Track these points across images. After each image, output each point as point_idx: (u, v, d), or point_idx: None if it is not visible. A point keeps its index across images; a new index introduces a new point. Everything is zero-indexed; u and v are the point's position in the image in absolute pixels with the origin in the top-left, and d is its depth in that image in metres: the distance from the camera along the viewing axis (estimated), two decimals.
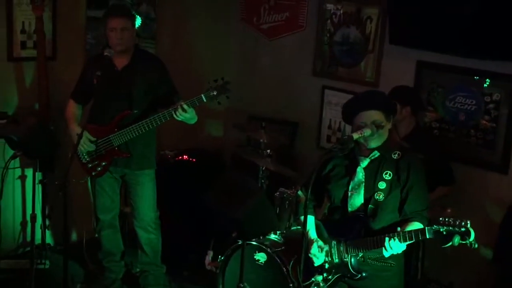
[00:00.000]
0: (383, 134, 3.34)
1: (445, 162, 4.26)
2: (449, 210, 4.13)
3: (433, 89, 4.61)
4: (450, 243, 2.96)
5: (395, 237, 3.11)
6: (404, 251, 3.26)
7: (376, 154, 3.37)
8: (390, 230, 3.21)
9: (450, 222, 2.97)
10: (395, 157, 3.35)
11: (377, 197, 3.32)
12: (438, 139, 4.55)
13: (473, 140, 4.45)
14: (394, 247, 3.13)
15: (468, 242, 2.93)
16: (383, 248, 3.16)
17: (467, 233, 2.93)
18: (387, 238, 3.14)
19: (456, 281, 4.47)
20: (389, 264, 3.34)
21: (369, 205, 3.34)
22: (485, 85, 4.34)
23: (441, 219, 3.00)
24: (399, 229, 3.17)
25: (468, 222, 2.95)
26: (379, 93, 3.67)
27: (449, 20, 4.19)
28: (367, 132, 3.24)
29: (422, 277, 4.21)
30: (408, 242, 3.13)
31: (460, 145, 4.50)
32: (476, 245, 2.96)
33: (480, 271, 4.37)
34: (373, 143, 3.35)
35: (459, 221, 2.96)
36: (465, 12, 4.11)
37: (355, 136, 3.24)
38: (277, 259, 3.92)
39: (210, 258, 4.32)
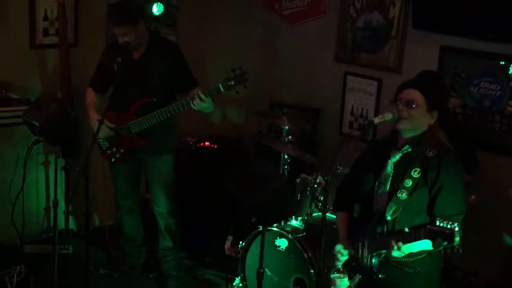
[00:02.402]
0: (414, 119, 3.09)
1: (469, 149, 4.20)
2: (473, 197, 4.08)
3: (457, 74, 4.54)
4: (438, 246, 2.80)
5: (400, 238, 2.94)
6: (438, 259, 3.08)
7: (408, 148, 3.15)
8: None
9: (437, 224, 2.79)
10: (429, 154, 3.10)
11: (400, 195, 3.07)
12: (462, 125, 4.49)
13: (497, 126, 4.37)
14: (403, 248, 2.94)
15: (451, 245, 2.77)
16: (391, 248, 2.97)
17: (451, 237, 2.75)
18: (393, 239, 2.97)
19: (480, 269, 4.42)
20: (414, 270, 3.12)
21: (390, 203, 3.10)
22: (510, 70, 4.26)
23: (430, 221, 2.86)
24: (406, 229, 2.98)
25: (456, 225, 2.77)
26: (430, 75, 3.42)
27: (474, 4, 4.13)
28: (388, 116, 3.09)
29: (445, 264, 4.16)
30: (410, 244, 2.93)
31: (484, 131, 4.43)
32: (461, 251, 2.81)
33: (504, 260, 4.31)
34: (405, 130, 3.13)
35: (446, 223, 2.78)
36: None
37: (376, 120, 3.12)
38: (298, 245, 3.92)
39: (229, 243, 4.33)
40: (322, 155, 5.08)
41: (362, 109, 5.16)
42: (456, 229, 2.75)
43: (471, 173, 4.16)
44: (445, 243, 2.77)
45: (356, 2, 5.12)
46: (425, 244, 2.91)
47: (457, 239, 2.74)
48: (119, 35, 4.11)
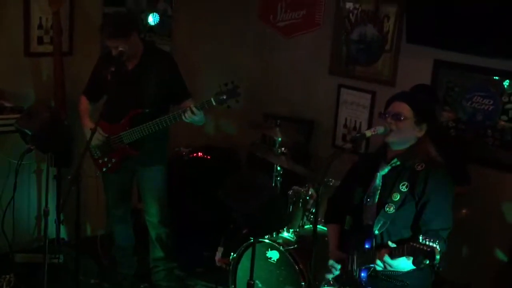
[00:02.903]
0: (403, 132, 3.10)
1: (459, 162, 4.21)
2: (464, 211, 4.09)
3: (450, 88, 4.56)
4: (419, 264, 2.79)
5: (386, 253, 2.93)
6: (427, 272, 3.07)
7: (397, 162, 3.15)
8: None
9: (419, 241, 2.78)
10: (417, 168, 3.09)
11: (388, 209, 3.07)
12: (454, 139, 4.50)
13: (490, 141, 4.38)
14: (388, 263, 2.94)
15: (432, 263, 2.75)
16: (375, 263, 2.98)
17: (432, 255, 2.73)
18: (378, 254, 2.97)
19: (474, 283, 4.42)
20: (403, 283, 3.09)
21: (378, 216, 3.10)
22: (505, 85, 4.27)
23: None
24: (390, 243, 2.98)
25: (437, 244, 2.75)
26: (421, 89, 3.40)
27: (468, 18, 4.14)
28: (380, 129, 3.10)
29: (437, 278, 4.16)
30: (397, 259, 2.91)
31: (476, 145, 4.44)
32: (441, 269, 2.81)
33: (497, 272, 4.31)
34: (393, 143, 3.13)
35: (428, 240, 2.77)
36: (484, 11, 4.07)
37: (368, 133, 3.13)
38: (290, 257, 3.91)
39: (220, 255, 4.32)
40: (315, 167, 5.08)
41: (356, 121, 5.17)
42: (438, 248, 2.74)
43: (464, 185, 4.17)
44: (426, 261, 2.76)
45: (350, 15, 5.14)
46: (408, 261, 2.90)
47: (437, 257, 2.73)
48: (112, 48, 4.12)
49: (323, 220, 3.69)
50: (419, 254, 2.77)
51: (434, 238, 2.80)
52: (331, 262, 3.25)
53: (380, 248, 3.05)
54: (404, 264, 2.95)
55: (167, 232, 4.53)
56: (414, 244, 2.80)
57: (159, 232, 4.49)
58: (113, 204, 4.52)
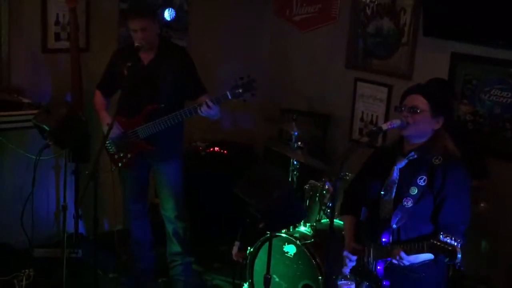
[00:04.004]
0: (419, 124, 3.06)
1: (478, 155, 4.18)
2: (482, 205, 4.05)
3: (467, 81, 4.52)
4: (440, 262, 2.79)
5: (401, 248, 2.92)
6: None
7: (414, 155, 3.10)
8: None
9: (440, 239, 2.75)
10: (435, 162, 3.05)
11: (405, 203, 3.04)
12: (472, 132, 4.47)
13: (508, 134, 4.35)
14: (406, 259, 2.92)
15: (453, 262, 2.73)
16: (394, 258, 2.96)
17: (453, 254, 2.71)
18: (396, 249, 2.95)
19: (492, 277, 4.39)
20: (419, 275, 3.06)
21: (396, 211, 3.06)
22: None
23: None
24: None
25: (459, 242, 2.73)
26: (437, 82, 3.35)
27: (485, 11, 4.11)
28: (396, 123, 3.06)
29: (454, 273, 4.13)
30: (413, 255, 2.90)
31: (495, 139, 4.41)
32: (462, 268, 2.78)
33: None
34: (410, 137, 3.10)
35: (450, 238, 2.74)
36: (501, 3, 4.03)
37: (384, 127, 3.08)
38: (307, 251, 3.91)
39: (237, 249, 4.32)
40: (332, 161, 5.07)
41: (372, 115, 5.15)
42: (459, 246, 2.72)
43: (482, 179, 4.13)
44: (446, 260, 2.75)
45: (367, 8, 5.12)
46: (428, 256, 2.90)
47: (459, 256, 2.71)
48: (136, 31, 4.11)
49: (339, 217, 3.68)
50: (440, 252, 2.75)
51: (455, 235, 2.78)
52: (346, 253, 3.23)
53: (396, 244, 3.03)
54: (421, 257, 2.94)
55: (184, 226, 4.54)
56: (435, 242, 2.78)
57: (176, 227, 4.50)
58: (130, 199, 4.53)
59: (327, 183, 4.16)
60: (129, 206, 4.56)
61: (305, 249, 3.92)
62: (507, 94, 4.33)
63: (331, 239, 3.13)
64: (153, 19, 4.17)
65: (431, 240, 2.81)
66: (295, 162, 4.45)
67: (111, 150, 4.36)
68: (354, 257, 3.20)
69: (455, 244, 2.73)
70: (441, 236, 2.77)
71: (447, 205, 3.01)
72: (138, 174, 4.45)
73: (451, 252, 2.72)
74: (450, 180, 3.02)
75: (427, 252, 2.84)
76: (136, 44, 4.12)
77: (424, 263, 3.00)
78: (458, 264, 2.75)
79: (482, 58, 4.39)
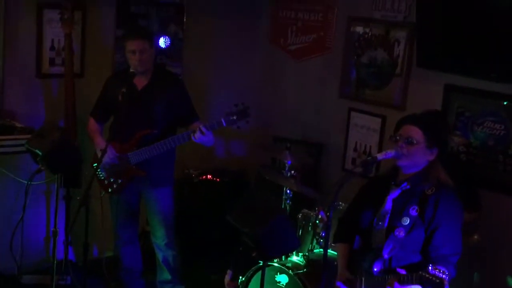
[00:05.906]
0: (414, 156, 3.09)
1: (470, 188, 4.18)
2: (475, 237, 4.04)
3: (461, 113, 4.54)
4: None
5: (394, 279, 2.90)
6: None
7: (407, 185, 3.13)
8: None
9: (429, 271, 2.76)
10: (428, 192, 3.08)
11: (397, 233, 3.04)
12: (464, 164, 4.47)
13: (501, 166, 4.35)
14: None
15: None
16: None
17: (440, 287, 2.71)
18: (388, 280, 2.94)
19: None
20: None
21: (388, 241, 3.07)
22: None
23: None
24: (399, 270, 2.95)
25: (447, 274, 2.73)
26: (433, 113, 3.38)
27: (479, 44, 4.14)
28: (391, 152, 3.08)
29: None
30: (406, 286, 2.88)
31: (487, 171, 4.41)
32: None
33: None
34: (405, 167, 3.12)
35: (438, 271, 2.74)
36: (494, 37, 4.07)
37: (379, 157, 3.11)
38: (299, 281, 3.88)
39: (229, 278, 4.29)
40: (325, 190, 5.05)
41: (366, 145, 5.15)
42: (447, 279, 2.72)
43: (475, 211, 4.13)
44: None
45: (361, 39, 5.15)
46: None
47: None
48: (134, 52, 4.12)
49: (333, 244, 3.66)
50: (428, 284, 2.75)
51: (444, 267, 2.79)
52: (338, 283, 3.21)
53: (389, 274, 3.02)
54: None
55: (174, 254, 4.50)
56: (423, 274, 2.78)
57: (166, 254, 4.47)
58: (120, 226, 4.50)
59: (321, 212, 4.15)
60: (119, 232, 4.53)
61: (297, 279, 3.89)
62: (500, 127, 4.35)
63: (325, 269, 3.10)
64: (151, 43, 4.21)
65: (420, 272, 2.81)
66: (287, 191, 4.44)
67: (100, 176, 4.34)
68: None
69: (443, 277, 2.73)
70: (430, 268, 2.78)
71: (438, 235, 3.02)
72: (129, 200, 4.43)
73: (438, 285, 2.73)
74: (441, 209, 3.03)
75: (415, 283, 2.84)
76: (131, 70, 4.13)
77: None
78: None
79: (476, 90, 4.41)
